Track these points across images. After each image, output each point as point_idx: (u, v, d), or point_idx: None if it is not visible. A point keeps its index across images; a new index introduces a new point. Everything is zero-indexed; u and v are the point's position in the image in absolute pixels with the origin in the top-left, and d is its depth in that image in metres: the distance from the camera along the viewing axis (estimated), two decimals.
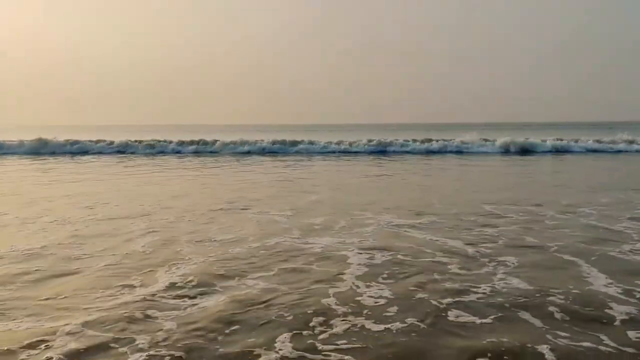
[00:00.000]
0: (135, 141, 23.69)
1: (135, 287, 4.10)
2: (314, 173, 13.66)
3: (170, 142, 23.72)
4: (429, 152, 21.15)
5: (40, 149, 22.46)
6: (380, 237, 5.77)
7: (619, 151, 21.22)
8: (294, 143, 22.60)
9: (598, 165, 15.98)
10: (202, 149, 22.90)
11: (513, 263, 4.67)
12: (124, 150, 22.97)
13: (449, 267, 4.57)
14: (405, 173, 13.55)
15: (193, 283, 4.17)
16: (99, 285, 4.16)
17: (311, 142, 22.71)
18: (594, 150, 21.40)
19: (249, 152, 21.76)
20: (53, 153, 22.05)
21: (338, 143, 22.47)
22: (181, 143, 23.45)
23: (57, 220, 6.88)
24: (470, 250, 5.15)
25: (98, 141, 23.70)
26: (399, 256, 4.95)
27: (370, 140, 22.15)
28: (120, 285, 4.14)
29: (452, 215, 7.05)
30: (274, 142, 22.71)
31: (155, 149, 23.00)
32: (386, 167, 15.34)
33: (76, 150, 22.59)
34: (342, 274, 4.42)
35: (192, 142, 23.36)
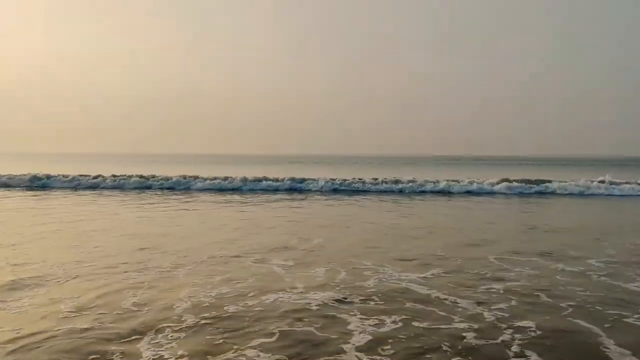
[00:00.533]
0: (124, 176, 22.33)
1: None
2: (315, 213, 13.16)
3: (185, 177, 22.26)
4: (434, 192, 19.85)
5: (34, 184, 21.53)
6: (384, 295, 5.28)
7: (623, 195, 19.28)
8: (299, 180, 21.70)
9: (600, 209, 15.52)
10: (203, 186, 21.16)
11: (530, 331, 4.18)
12: (102, 185, 21.26)
13: (464, 335, 4.08)
14: (406, 215, 13.07)
15: (183, 357, 3.66)
16: (74, 357, 3.64)
17: (323, 181, 21.16)
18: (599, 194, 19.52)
19: (254, 190, 20.63)
20: (50, 187, 21.03)
21: (342, 181, 21.27)
22: (184, 177, 22.08)
23: (42, 265, 6.40)
24: (484, 312, 4.66)
25: (97, 176, 22.21)
26: (405, 320, 4.46)
27: (376, 179, 21.21)
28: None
29: (458, 267, 6.57)
30: (282, 183, 21.25)
31: (145, 184, 21.49)
32: (389, 208, 14.86)
33: (72, 185, 21.37)
34: (346, 342, 3.92)
35: (196, 178, 21.93)
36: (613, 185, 19.87)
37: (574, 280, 5.90)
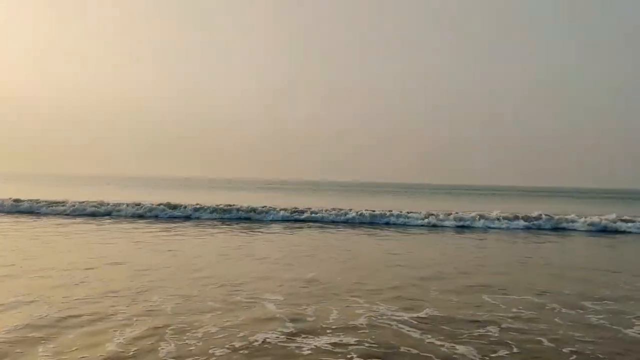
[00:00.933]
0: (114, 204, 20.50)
1: None
2: (309, 243, 12.72)
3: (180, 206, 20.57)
4: (424, 226, 18.60)
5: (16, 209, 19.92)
6: (377, 337, 4.87)
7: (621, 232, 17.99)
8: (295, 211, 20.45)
9: (591, 244, 15.14)
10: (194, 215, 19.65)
11: None
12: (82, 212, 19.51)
13: None
14: (398, 249, 12.68)
15: None
16: None
17: (314, 213, 19.87)
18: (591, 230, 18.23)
19: (242, 219, 19.39)
20: (35, 213, 19.38)
21: (338, 213, 19.87)
22: (174, 207, 20.30)
23: (26, 297, 5.95)
24: None
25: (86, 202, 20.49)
26: None
27: (359, 213, 19.76)
28: None
29: (452, 307, 6.16)
30: (285, 212, 20.04)
31: (141, 210, 19.82)
32: (381, 241, 14.42)
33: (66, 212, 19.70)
34: None
35: (184, 207, 20.23)
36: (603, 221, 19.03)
37: (573, 324, 5.51)
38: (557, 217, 19.45)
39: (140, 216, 19.40)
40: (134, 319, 5.30)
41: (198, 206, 20.61)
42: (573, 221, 19.05)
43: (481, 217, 19.26)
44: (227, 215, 19.95)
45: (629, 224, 18.57)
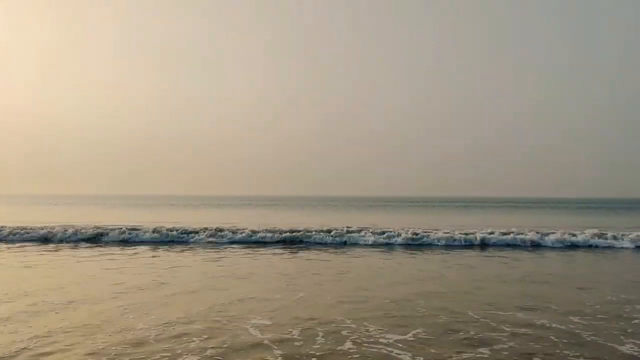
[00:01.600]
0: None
1: None
2: (301, 264, 12.30)
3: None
4: (402, 244, 16.99)
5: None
6: None
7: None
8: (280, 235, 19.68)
9: (572, 258, 14.79)
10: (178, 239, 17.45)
11: None
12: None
13: None
14: (386, 267, 12.28)
15: None
16: None
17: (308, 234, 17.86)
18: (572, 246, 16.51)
19: (232, 243, 17.20)
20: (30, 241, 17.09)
21: (333, 233, 17.93)
22: (158, 230, 18.19)
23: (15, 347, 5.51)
24: None
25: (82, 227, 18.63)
26: None
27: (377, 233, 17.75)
28: None
29: (441, 326, 5.78)
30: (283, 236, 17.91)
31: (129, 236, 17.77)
32: (372, 259, 14.00)
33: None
34: None
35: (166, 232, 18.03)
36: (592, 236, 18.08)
37: (565, 340, 5.14)
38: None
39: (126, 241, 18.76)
40: (113, 350, 4.88)
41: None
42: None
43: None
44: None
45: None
